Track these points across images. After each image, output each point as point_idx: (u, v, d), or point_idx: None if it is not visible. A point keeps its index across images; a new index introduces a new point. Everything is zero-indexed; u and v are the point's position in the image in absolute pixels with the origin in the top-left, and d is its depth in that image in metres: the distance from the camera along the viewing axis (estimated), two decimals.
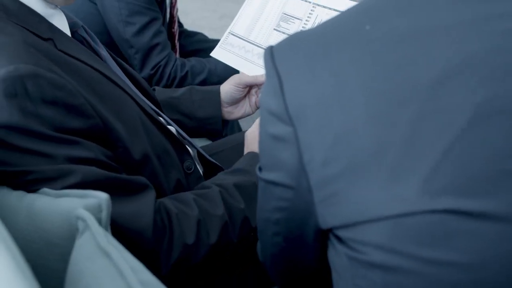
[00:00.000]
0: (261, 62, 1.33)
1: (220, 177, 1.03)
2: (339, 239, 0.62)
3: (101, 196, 0.67)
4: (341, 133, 0.58)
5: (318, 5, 1.31)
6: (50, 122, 0.77)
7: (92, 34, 1.05)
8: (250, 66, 1.34)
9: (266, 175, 0.68)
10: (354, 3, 1.24)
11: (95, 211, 0.67)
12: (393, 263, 0.57)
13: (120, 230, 0.80)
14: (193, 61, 1.75)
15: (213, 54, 1.42)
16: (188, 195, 0.94)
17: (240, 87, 1.29)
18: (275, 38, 1.34)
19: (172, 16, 1.88)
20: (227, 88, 1.29)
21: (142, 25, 1.63)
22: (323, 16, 1.29)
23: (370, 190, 0.57)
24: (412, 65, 0.57)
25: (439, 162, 0.55)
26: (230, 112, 1.32)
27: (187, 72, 1.70)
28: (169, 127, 1.06)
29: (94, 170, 0.79)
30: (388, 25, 0.60)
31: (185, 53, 1.99)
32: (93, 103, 0.84)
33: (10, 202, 0.72)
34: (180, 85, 1.69)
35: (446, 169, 0.55)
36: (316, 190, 0.61)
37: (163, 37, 1.69)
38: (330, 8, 1.28)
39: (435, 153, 0.55)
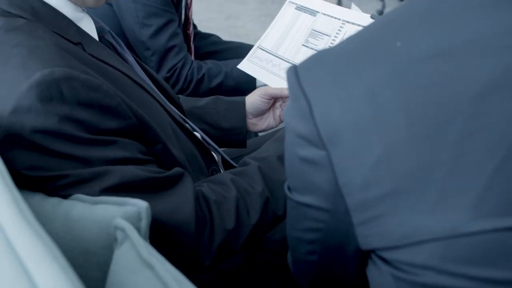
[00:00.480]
0: None
1: (266, 147, 1.01)
2: (383, 259, 0.61)
3: (141, 205, 0.66)
4: (382, 155, 0.56)
5: (348, 22, 1.31)
6: (86, 125, 0.76)
7: (118, 39, 1.04)
8: (276, 79, 1.35)
9: (298, 197, 0.66)
10: None
11: (134, 220, 0.66)
12: (446, 284, 0.56)
13: (161, 227, 0.79)
14: (209, 63, 1.74)
15: (241, 66, 1.43)
16: (226, 176, 0.94)
17: (265, 99, 1.28)
18: (303, 54, 1.34)
19: (187, 17, 1.86)
20: (252, 99, 1.29)
21: (158, 27, 1.61)
22: (352, 32, 1.28)
23: (417, 212, 0.56)
24: (451, 81, 0.55)
25: (491, 180, 0.53)
26: (255, 124, 1.32)
27: (203, 74, 1.69)
28: (194, 133, 1.05)
29: (131, 171, 0.78)
30: (420, 40, 0.58)
31: (199, 55, 1.98)
32: (128, 103, 0.83)
33: (46, 210, 0.71)
34: (197, 88, 1.68)
35: (499, 187, 0.53)
36: (355, 213, 0.60)
37: (179, 39, 1.68)
38: (359, 25, 1.28)
39: (485, 171, 0.54)
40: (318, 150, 0.59)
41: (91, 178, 0.76)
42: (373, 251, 0.62)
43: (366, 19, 1.28)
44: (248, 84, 1.72)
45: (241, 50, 1.95)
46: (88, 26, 0.95)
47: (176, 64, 1.64)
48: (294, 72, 0.62)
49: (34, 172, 0.75)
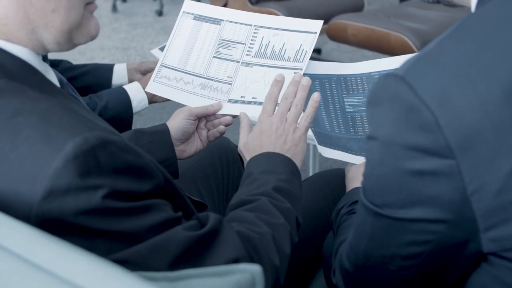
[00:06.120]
0: (205, 92, 1.27)
1: (258, 184, 0.95)
2: (508, 259, 0.62)
3: (254, 269, 0.59)
4: None
5: (262, 27, 1.27)
6: (127, 193, 0.67)
7: (75, 89, 0.92)
8: (193, 97, 1.27)
9: (400, 213, 0.65)
10: (303, 21, 1.24)
11: (248, 287, 0.60)
12: None
13: None
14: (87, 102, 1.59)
15: (148, 89, 1.31)
16: (245, 214, 0.88)
17: (191, 119, 1.21)
18: (217, 66, 1.28)
19: None
20: (177, 124, 1.21)
21: None
22: (271, 37, 1.25)
23: None
24: None
25: None
26: (183, 151, 1.24)
27: None
28: None
29: (181, 233, 0.70)
30: None
31: None
32: (152, 159, 0.74)
33: None
34: None
35: None
36: (483, 219, 0.60)
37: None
38: (277, 29, 1.25)
39: None
40: (442, 160, 0.59)
41: (151, 255, 0.66)
42: (493, 253, 0.63)
43: (282, 22, 1.26)
44: (126, 113, 1.62)
45: (101, 71, 1.80)
46: (53, 78, 0.81)
47: None
48: (404, 82, 0.60)
49: None
